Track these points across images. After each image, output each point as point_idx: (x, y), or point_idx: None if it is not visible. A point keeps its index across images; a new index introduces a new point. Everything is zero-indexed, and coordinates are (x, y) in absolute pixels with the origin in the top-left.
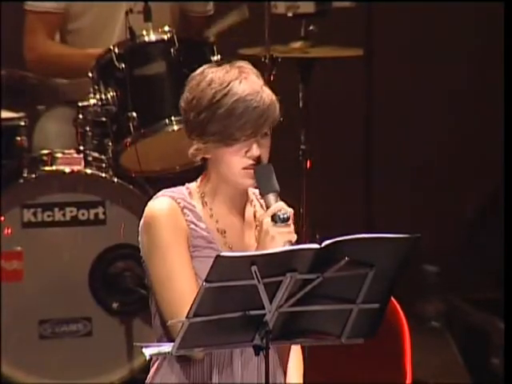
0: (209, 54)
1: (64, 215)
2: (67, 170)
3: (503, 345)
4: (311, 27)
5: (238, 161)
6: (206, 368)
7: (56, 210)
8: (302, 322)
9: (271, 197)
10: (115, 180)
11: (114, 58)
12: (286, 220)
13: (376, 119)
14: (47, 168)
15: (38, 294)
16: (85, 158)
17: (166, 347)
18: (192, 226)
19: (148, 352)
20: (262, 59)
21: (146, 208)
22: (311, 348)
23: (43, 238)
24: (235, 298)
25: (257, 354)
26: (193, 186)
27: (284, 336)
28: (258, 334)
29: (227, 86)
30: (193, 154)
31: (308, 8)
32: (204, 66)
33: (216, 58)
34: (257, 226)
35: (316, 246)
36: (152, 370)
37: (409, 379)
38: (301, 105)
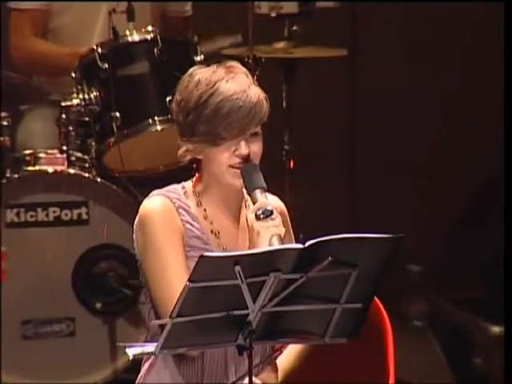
0: (192, 53)
1: (47, 215)
2: (50, 170)
3: (485, 344)
4: (295, 27)
5: (226, 159)
6: (200, 365)
7: (39, 210)
8: (285, 321)
9: (257, 193)
10: (98, 180)
11: (98, 58)
12: (268, 214)
13: (360, 119)
14: (30, 168)
15: (21, 294)
16: (68, 158)
17: (150, 347)
18: (187, 225)
19: (131, 352)
20: (246, 59)
21: (141, 207)
22: None
23: (26, 238)
24: (219, 298)
25: (240, 353)
26: (189, 185)
27: (267, 336)
28: (242, 333)
29: (213, 86)
30: (182, 155)
31: (291, 8)
32: (194, 68)
33: (199, 58)
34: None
35: (299, 245)
36: (144, 368)
37: (392, 379)
38: (284, 105)
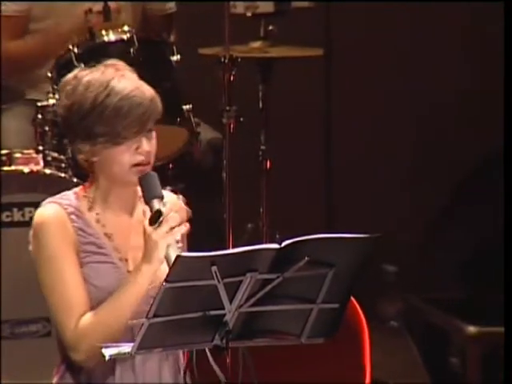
0: (168, 53)
1: (23, 215)
2: (26, 169)
3: (462, 344)
4: (271, 27)
5: (128, 158)
6: (109, 365)
7: (15, 210)
8: (262, 321)
9: (155, 202)
10: (74, 180)
11: (74, 58)
12: (158, 218)
13: (335, 118)
14: (6, 168)
15: None
16: (44, 158)
17: (126, 348)
18: (80, 232)
19: (108, 352)
20: (222, 59)
21: (35, 215)
22: (269, 348)
23: (2, 238)
24: (195, 298)
25: (218, 354)
26: (80, 189)
27: (244, 336)
28: (218, 334)
29: (107, 86)
30: (82, 158)
31: (267, 8)
32: (75, 71)
33: (176, 57)
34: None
35: (276, 246)
36: (56, 374)
37: (368, 379)
38: (260, 105)
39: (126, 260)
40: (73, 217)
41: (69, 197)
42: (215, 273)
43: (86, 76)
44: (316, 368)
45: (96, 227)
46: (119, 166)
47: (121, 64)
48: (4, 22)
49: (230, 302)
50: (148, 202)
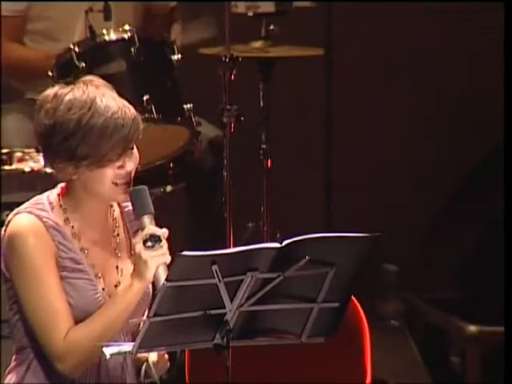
0: (169, 53)
1: None
2: (27, 168)
3: (462, 343)
4: (272, 27)
5: (110, 177)
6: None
7: (15, 208)
8: (262, 321)
9: (145, 219)
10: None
11: (74, 57)
12: (156, 242)
13: (336, 118)
14: (6, 167)
15: None
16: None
17: (126, 347)
18: (60, 246)
19: (108, 351)
20: (223, 59)
21: (10, 224)
22: (269, 347)
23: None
24: (196, 298)
25: (218, 353)
26: (55, 199)
27: (245, 335)
28: (219, 333)
29: (90, 107)
30: (62, 177)
31: (268, 7)
32: (54, 89)
33: (176, 57)
34: (131, 250)
35: (277, 245)
36: (10, 377)
37: (368, 378)
38: (261, 104)
39: (100, 277)
40: (52, 231)
41: (44, 207)
42: (216, 272)
43: (66, 95)
44: (316, 367)
45: (73, 242)
46: (101, 185)
47: (99, 81)
48: (1, 22)
49: (231, 301)
50: (138, 218)
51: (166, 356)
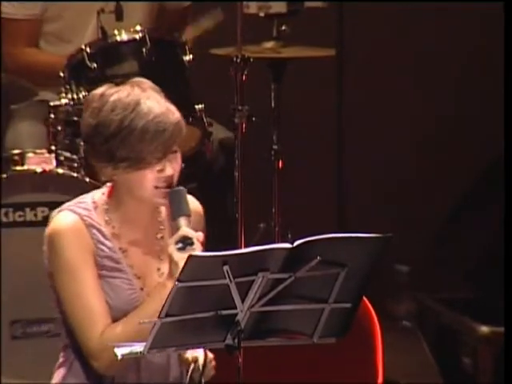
0: (181, 53)
1: (35, 215)
2: (39, 169)
3: (474, 344)
4: (283, 27)
5: (150, 181)
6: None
7: (27, 210)
8: (273, 321)
9: (181, 221)
10: (87, 180)
11: (86, 58)
12: (189, 245)
13: (347, 119)
14: (18, 168)
15: (10, 294)
16: (56, 158)
17: (138, 347)
18: (98, 245)
19: (120, 352)
20: (234, 59)
21: (52, 222)
22: (281, 347)
23: (15, 238)
24: (207, 298)
25: (229, 353)
26: (99, 199)
27: (256, 336)
28: (230, 333)
29: (133, 110)
30: (103, 179)
31: (280, 8)
32: (103, 88)
33: (188, 57)
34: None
35: (288, 245)
36: (55, 376)
37: (380, 379)
38: (273, 105)
39: (139, 277)
40: (91, 229)
41: (87, 206)
42: (227, 272)
43: (112, 96)
44: (328, 368)
45: (113, 241)
46: (141, 188)
47: (147, 84)
48: (17, 25)
49: (242, 301)
50: (174, 219)
51: (213, 361)
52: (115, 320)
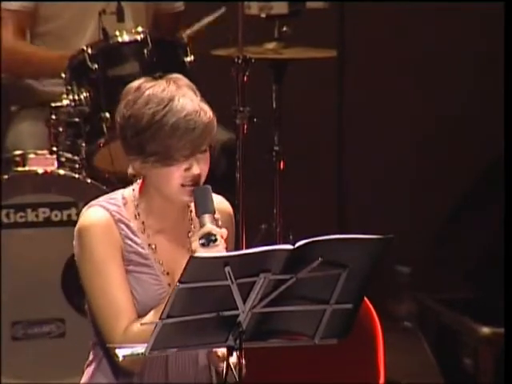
0: (182, 54)
1: (37, 216)
2: (40, 170)
3: (475, 345)
4: (285, 28)
5: (177, 178)
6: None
7: (29, 210)
8: (275, 322)
9: (206, 218)
10: (88, 181)
11: (87, 59)
12: (212, 242)
13: (349, 119)
14: (20, 169)
15: (11, 295)
16: (58, 159)
17: (140, 348)
18: (126, 240)
19: (121, 353)
20: (236, 60)
21: (81, 216)
22: (284, 348)
23: (16, 238)
24: (209, 299)
25: (231, 354)
26: (129, 195)
27: (257, 337)
28: (232, 334)
29: (166, 105)
30: (131, 174)
31: (281, 9)
32: (140, 80)
33: (189, 58)
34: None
35: (289, 246)
36: (85, 374)
37: (382, 379)
38: (274, 106)
39: (168, 274)
40: (120, 224)
41: (117, 201)
42: (229, 273)
43: (147, 89)
44: (329, 369)
45: (141, 237)
46: (167, 185)
47: (183, 81)
48: (7, 15)
49: (244, 302)
50: (199, 217)
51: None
52: (143, 316)
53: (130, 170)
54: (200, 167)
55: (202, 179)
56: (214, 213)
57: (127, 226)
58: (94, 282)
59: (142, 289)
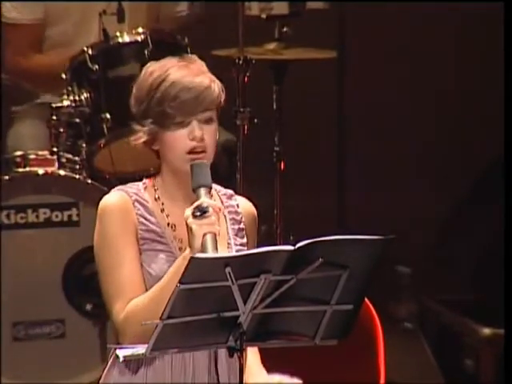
0: (183, 55)
1: (37, 217)
2: (40, 171)
3: (476, 346)
4: (285, 29)
5: (182, 145)
6: (159, 365)
7: (29, 211)
8: (276, 323)
9: (201, 191)
10: (89, 181)
11: (88, 60)
12: (203, 212)
13: (349, 120)
14: (20, 169)
15: (12, 295)
16: (58, 160)
17: (140, 349)
18: (141, 219)
19: (122, 354)
20: (236, 61)
21: (101, 201)
22: (284, 349)
23: (16, 239)
24: (209, 300)
25: (231, 355)
26: (149, 179)
27: (258, 337)
28: (233, 335)
29: (165, 72)
30: (135, 139)
31: (282, 9)
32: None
33: None
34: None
35: (290, 247)
36: (105, 371)
37: (382, 380)
38: (274, 106)
39: (185, 249)
40: (136, 204)
41: (137, 186)
42: (229, 274)
43: (152, 65)
44: (330, 369)
45: (160, 217)
46: (174, 152)
47: (195, 58)
48: (19, 30)
49: (244, 303)
50: (195, 190)
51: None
52: None
53: (133, 139)
54: (206, 137)
55: (209, 151)
56: (211, 188)
57: (144, 206)
58: (104, 261)
59: (157, 266)
